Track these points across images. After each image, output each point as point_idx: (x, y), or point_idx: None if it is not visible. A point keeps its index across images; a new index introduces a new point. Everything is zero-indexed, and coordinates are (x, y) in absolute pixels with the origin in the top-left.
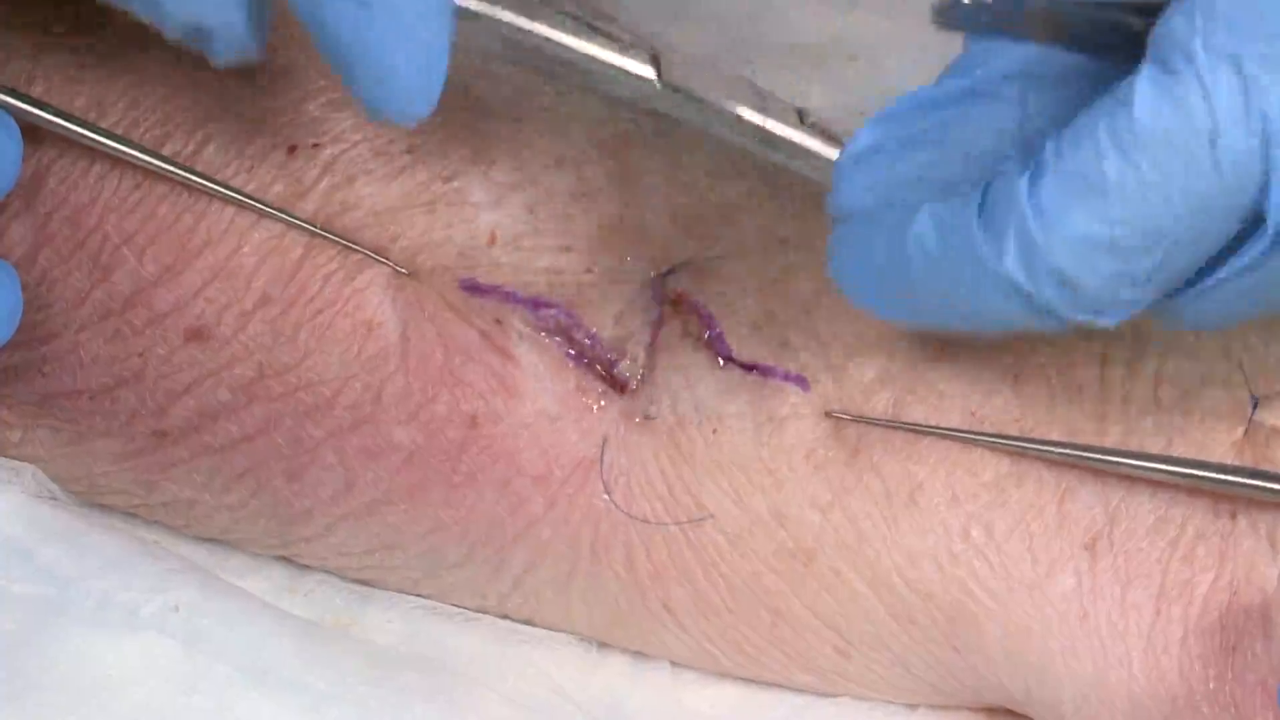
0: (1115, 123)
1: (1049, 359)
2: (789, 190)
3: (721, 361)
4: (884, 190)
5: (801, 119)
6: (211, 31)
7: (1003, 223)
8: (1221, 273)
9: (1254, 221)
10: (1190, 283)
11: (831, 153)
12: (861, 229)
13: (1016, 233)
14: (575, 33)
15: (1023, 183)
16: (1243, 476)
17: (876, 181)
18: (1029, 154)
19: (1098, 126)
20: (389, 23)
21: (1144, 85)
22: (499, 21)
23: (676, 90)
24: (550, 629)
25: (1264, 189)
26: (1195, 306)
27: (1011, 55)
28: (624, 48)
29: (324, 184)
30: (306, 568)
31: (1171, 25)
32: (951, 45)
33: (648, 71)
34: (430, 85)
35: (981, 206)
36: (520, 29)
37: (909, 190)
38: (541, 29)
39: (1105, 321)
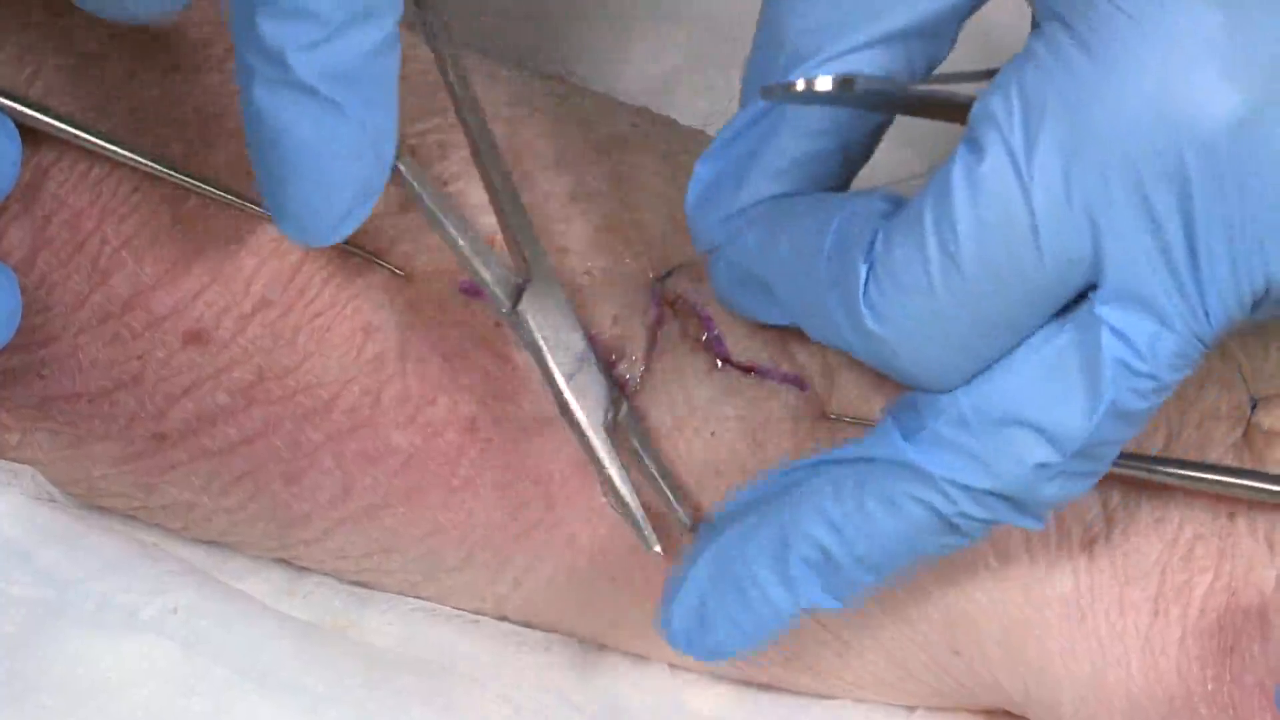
0: (938, 217)
1: None
2: None
3: (719, 363)
4: (730, 221)
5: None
6: None
7: (844, 304)
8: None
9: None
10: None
11: None
12: (727, 262)
13: (853, 327)
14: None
15: (857, 273)
16: (1241, 478)
17: (721, 215)
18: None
19: (923, 219)
20: (347, 140)
21: (960, 177)
22: None
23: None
24: (549, 631)
25: (1092, 280)
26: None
27: None
28: None
29: None
30: (305, 570)
31: (990, 107)
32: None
33: None
34: (356, 218)
35: (828, 268)
36: None
37: (749, 219)
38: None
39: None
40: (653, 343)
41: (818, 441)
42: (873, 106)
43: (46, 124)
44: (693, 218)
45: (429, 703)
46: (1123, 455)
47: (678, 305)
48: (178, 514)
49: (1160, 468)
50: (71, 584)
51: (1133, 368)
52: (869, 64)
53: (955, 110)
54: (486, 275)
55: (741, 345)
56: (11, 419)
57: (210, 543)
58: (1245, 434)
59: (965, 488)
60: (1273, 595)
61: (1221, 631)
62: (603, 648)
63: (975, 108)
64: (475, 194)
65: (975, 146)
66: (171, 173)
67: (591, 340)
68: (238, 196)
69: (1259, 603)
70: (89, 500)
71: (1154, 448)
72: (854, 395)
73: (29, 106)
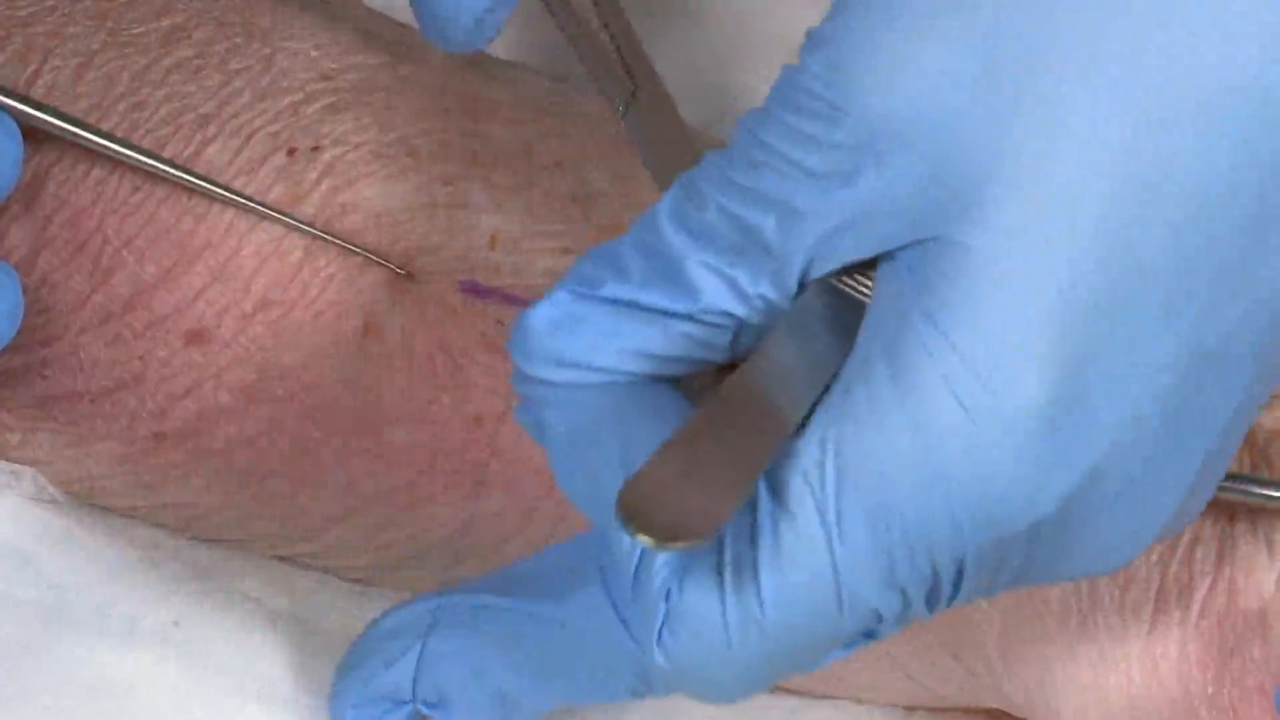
0: (739, 577)
1: None
2: None
3: None
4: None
5: None
6: None
7: (638, 632)
8: None
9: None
10: None
11: None
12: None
13: (644, 651)
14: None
15: (655, 612)
16: (1241, 481)
17: (569, 359)
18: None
19: (722, 576)
20: None
21: (767, 537)
22: None
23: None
24: None
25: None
26: None
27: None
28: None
29: (324, 186)
30: (307, 568)
31: (803, 464)
32: None
33: None
34: (490, 24)
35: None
36: None
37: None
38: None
39: None
40: None
41: None
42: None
43: (48, 123)
44: (541, 336)
45: None
46: None
47: None
48: (179, 513)
49: None
50: (72, 589)
51: None
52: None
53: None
54: (602, 77)
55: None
56: (13, 419)
57: (211, 541)
58: (1245, 437)
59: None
60: (1273, 598)
61: (1222, 634)
62: None
63: (784, 467)
64: (475, 195)
65: (783, 505)
66: (172, 172)
67: None
68: (239, 196)
69: (1259, 606)
70: (90, 500)
71: None
72: None
73: (31, 105)
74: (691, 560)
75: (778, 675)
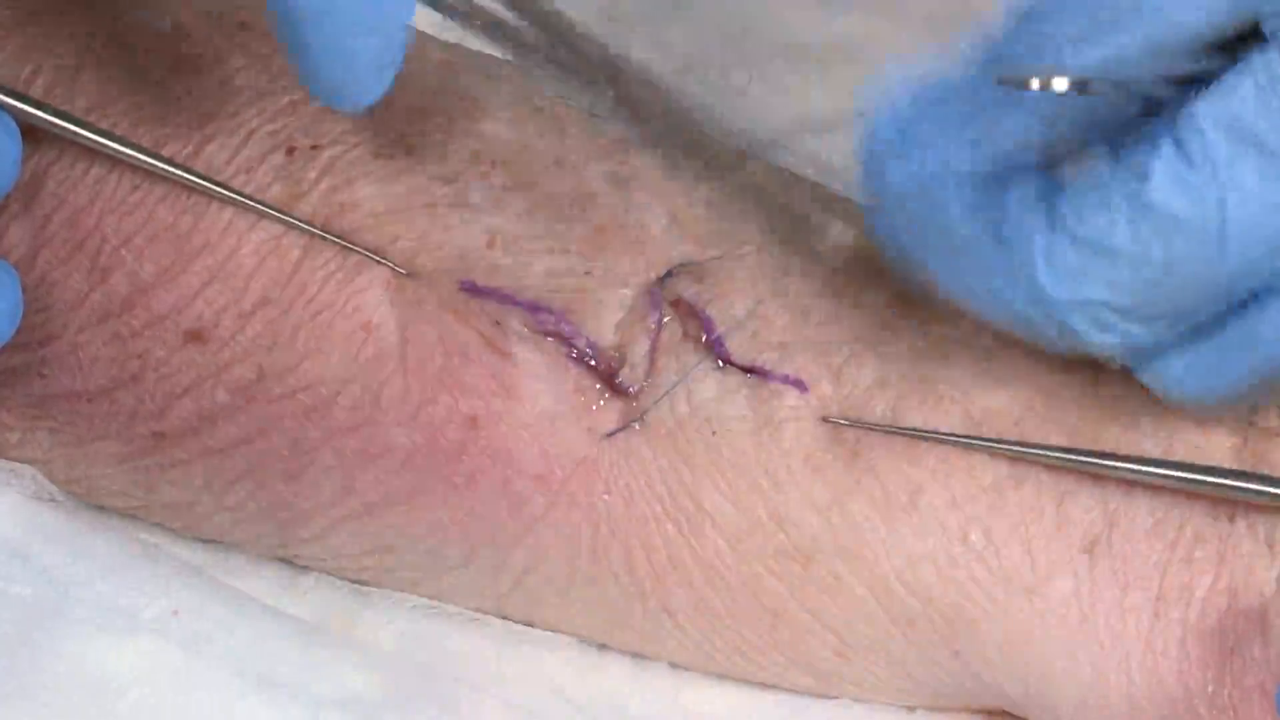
0: (1131, 198)
1: (1048, 362)
2: (788, 192)
3: (721, 364)
4: (915, 178)
5: None
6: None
7: (1019, 263)
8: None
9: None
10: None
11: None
12: (896, 215)
13: (1027, 282)
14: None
15: (1039, 238)
16: (1241, 480)
17: (909, 168)
18: (1049, 186)
19: (1113, 197)
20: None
21: (1161, 166)
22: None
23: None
24: (550, 630)
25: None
26: (1185, 371)
27: None
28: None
29: (323, 185)
30: (305, 568)
31: (1195, 110)
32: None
33: None
34: (384, 75)
35: (1000, 237)
36: None
37: (937, 181)
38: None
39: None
40: (655, 343)
41: (818, 444)
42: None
43: (47, 122)
44: (875, 159)
45: (429, 702)
46: (1123, 457)
47: (679, 306)
48: (178, 512)
49: (1160, 469)
50: (72, 584)
51: None
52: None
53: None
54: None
55: (743, 346)
56: (12, 418)
57: (210, 541)
58: (1246, 436)
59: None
60: (1273, 597)
61: (1222, 634)
62: (604, 647)
63: (1184, 106)
64: (474, 195)
65: (1178, 140)
66: (171, 171)
67: (592, 342)
68: (238, 194)
69: (1259, 605)
70: (89, 499)
71: (1154, 449)
72: (855, 397)
73: (29, 104)
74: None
75: (1158, 314)
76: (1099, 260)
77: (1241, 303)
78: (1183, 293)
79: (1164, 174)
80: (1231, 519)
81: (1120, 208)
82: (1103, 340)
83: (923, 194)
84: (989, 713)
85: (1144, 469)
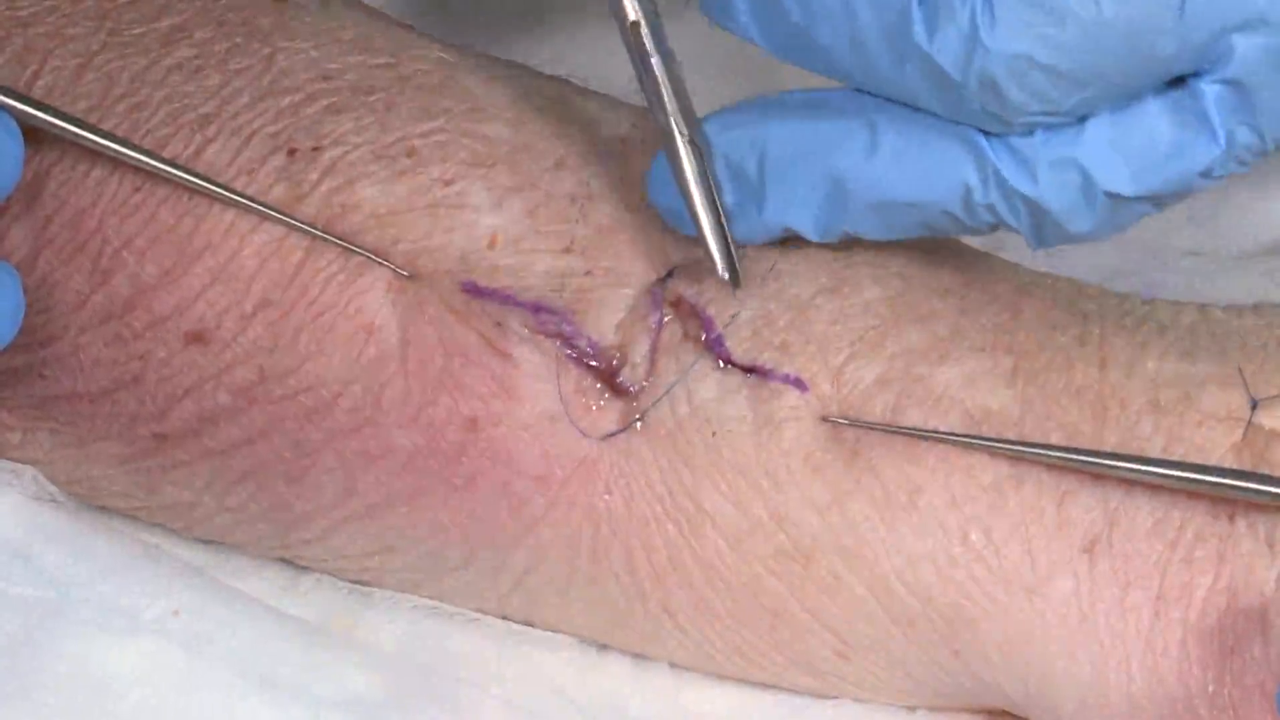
0: None
1: (1048, 361)
2: None
3: (721, 364)
4: None
5: None
6: None
7: (947, 14)
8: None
9: (1177, 83)
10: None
11: None
12: None
13: (959, 31)
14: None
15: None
16: (1241, 479)
17: None
18: None
19: None
20: None
21: None
22: None
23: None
24: (551, 630)
25: (1216, 51)
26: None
27: None
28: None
29: (324, 187)
30: (306, 569)
31: None
32: None
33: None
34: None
35: None
36: None
37: None
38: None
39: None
40: (655, 343)
41: (818, 444)
42: None
43: (49, 123)
44: None
45: (430, 702)
46: (1124, 456)
47: (679, 306)
48: (179, 514)
49: (1161, 469)
50: (74, 585)
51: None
52: None
53: None
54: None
55: (743, 346)
56: (13, 418)
57: (211, 542)
58: (1245, 435)
59: (1005, 183)
60: (1273, 597)
61: (1222, 633)
62: (604, 647)
63: None
64: (475, 195)
65: None
66: (172, 172)
67: (593, 343)
68: (239, 196)
69: (1260, 604)
70: (91, 500)
71: (1155, 449)
72: (855, 396)
73: (32, 106)
74: None
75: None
76: (1047, 17)
77: (1169, 82)
78: (1122, 60)
79: None
80: (1232, 518)
81: None
82: (1022, 101)
83: None
84: (989, 713)
85: (1144, 469)
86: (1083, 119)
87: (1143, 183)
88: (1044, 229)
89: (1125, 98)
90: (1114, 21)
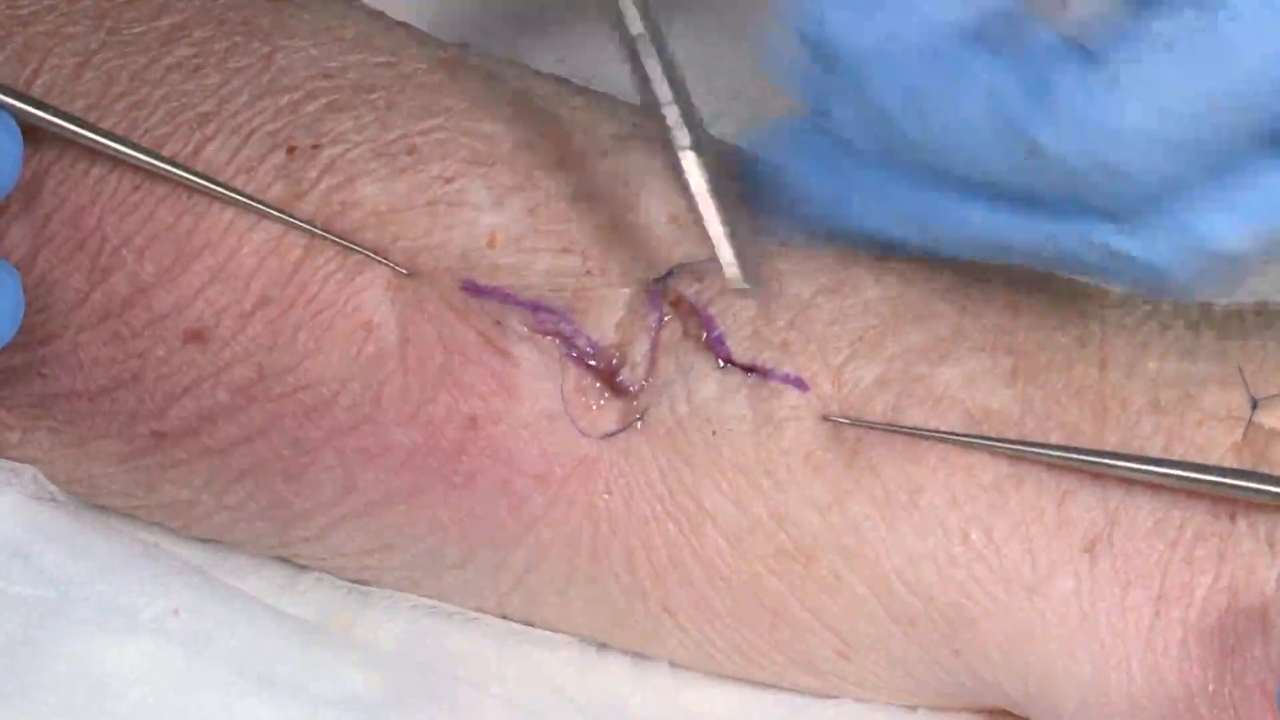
0: (1205, 30)
1: (1049, 361)
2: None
3: (721, 363)
4: (886, 29)
5: None
6: None
7: (1057, 104)
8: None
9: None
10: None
11: None
12: (867, 70)
13: (1068, 116)
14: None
15: (1080, 70)
16: (1242, 479)
17: (880, 27)
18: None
19: (1152, 24)
20: None
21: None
22: None
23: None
24: (550, 629)
25: None
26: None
27: None
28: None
29: (324, 185)
30: (305, 567)
31: None
32: None
33: None
34: None
35: (1026, 81)
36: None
37: (915, 31)
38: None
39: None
40: (655, 343)
41: (819, 443)
42: None
43: (48, 121)
44: (832, 25)
45: (430, 701)
46: (1124, 456)
47: (679, 305)
48: (178, 512)
49: (1161, 469)
50: (73, 584)
51: None
52: None
53: None
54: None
55: (743, 346)
56: (12, 417)
57: (210, 541)
58: (1246, 435)
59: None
60: (1274, 596)
61: (1223, 632)
62: (604, 647)
63: None
64: (475, 194)
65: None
66: (171, 170)
67: (593, 342)
68: (238, 194)
69: (1260, 603)
70: (90, 499)
71: (1155, 448)
72: (856, 396)
73: (31, 104)
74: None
75: (1204, 145)
76: (1145, 93)
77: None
78: (1227, 124)
79: (1245, 4)
80: (1232, 518)
81: (1188, 34)
82: (1145, 169)
83: (902, 53)
84: (990, 712)
85: (1145, 468)
86: (1188, 183)
87: (1262, 239)
88: (1161, 291)
89: (1231, 156)
90: (1219, 89)
